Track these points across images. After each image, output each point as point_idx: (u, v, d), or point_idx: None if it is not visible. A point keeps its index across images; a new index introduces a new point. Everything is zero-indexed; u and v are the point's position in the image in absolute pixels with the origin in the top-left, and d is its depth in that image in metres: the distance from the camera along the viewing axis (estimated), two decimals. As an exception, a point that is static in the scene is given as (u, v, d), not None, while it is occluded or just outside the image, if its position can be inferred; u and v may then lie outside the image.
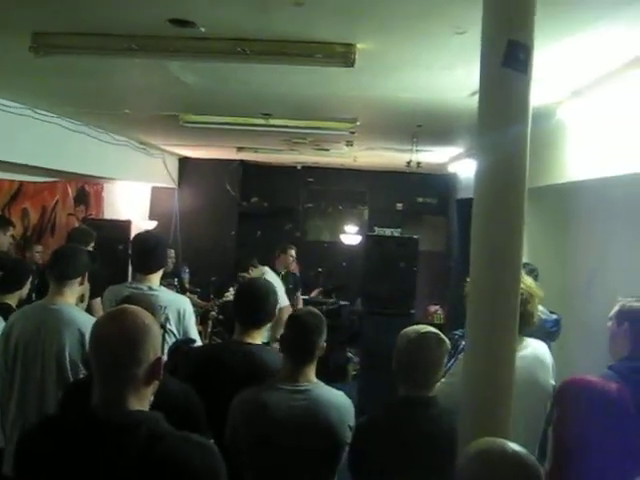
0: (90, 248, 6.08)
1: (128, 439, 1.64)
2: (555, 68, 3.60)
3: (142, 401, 1.73)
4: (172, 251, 7.65)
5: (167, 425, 1.72)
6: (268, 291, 3.25)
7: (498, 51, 2.18)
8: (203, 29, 3.12)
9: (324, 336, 2.85)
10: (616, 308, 3.10)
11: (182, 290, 7.59)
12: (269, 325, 3.37)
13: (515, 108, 2.21)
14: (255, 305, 3.19)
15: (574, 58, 3.41)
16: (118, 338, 1.70)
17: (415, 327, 2.72)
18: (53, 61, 3.68)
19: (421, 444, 2.47)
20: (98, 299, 4.59)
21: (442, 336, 2.67)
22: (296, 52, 3.21)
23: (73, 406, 2.35)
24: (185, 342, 3.59)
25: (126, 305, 1.90)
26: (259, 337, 3.22)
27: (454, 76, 3.74)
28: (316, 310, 2.98)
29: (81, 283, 3.55)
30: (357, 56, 3.30)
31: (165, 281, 6.88)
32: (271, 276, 6.82)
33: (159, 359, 1.75)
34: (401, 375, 2.66)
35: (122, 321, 1.74)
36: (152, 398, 1.79)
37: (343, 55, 3.25)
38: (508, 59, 2.14)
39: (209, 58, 3.42)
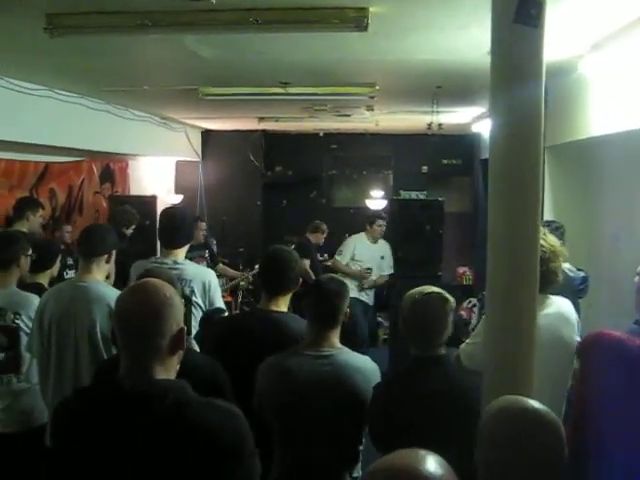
0: (131, 230, 6.20)
1: (155, 407, 1.70)
2: (573, 21, 3.53)
3: (168, 371, 1.78)
4: (204, 224, 7.69)
5: (193, 392, 1.77)
6: (292, 259, 3.28)
7: (509, 7, 2.15)
8: (214, 1, 3.10)
9: (347, 302, 2.88)
10: None
11: (214, 261, 7.66)
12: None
13: (528, 65, 2.18)
14: (280, 273, 3.22)
15: (593, 10, 3.33)
16: (140, 311, 1.75)
17: (419, 288, 2.72)
18: (69, 41, 3.70)
19: (431, 401, 2.49)
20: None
21: (446, 295, 2.65)
22: (308, 19, 3.19)
23: (103, 380, 2.41)
24: (215, 312, 3.65)
25: (147, 278, 1.94)
26: (284, 304, 3.26)
27: (469, 35, 3.70)
28: (338, 276, 3.01)
29: (107, 261, 3.62)
30: (370, 20, 3.26)
31: (197, 253, 6.99)
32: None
33: (182, 330, 1.80)
34: (409, 336, 2.68)
35: (144, 294, 1.79)
36: (178, 367, 1.84)
37: (356, 19, 3.22)
38: (519, 15, 2.11)
39: (222, 30, 3.41)
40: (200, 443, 1.70)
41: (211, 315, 3.60)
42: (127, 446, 1.68)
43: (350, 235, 8.20)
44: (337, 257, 7.76)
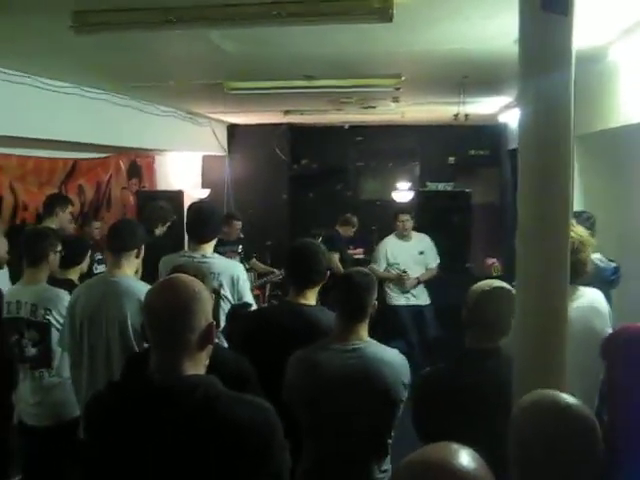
0: (165, 228, 6.20)
1: (186, 402, 1.71)
2: (603, 7, 3.46)
3: (197, 366, 1.79)
4: (239, 222, 7.69)
5: (223, 387, 1.78)
6: (318, 251, 3.27)
7: (537, -5, 2.12)
8: (238, -5, 3.11)
9: (375, 294, 2.87)
10: None
11: (247, 257, 7.68)
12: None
13: (557, 53, 2.15)
14: (307, 265, 3.22)
15: (621, -5, 3.28)
16: (170, 306, 1.76)
17: (487, 281, 2.72)
18: (95, 38, 3.72)
19: (484, 393, 2.46)
20: None
21: (512, 291, 2.63)
22: (332, 10, 3.17)
23: (134, 374, 2.43)
24: (242, 306, 3.67)
25: (176, 274, 1.95)
26: (312, 298, 3.26)
27: (496, 24, 3.65)
28: (366, 269, 3.00)
29: (137, 256, 3.65)
30: (395, 11, 3.22)
31: (229, 248, 7.03)
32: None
33: (211, 324, 1.81)
34: (470, 327, 2.66)
35: (173, 289, 1.80)
36: (207, 362, 1.85)
37: (381, 10, 3.18)
38: (547, 2, 2.08)
39: (246, 24, 3.40)
40: (230, 437, 1.70)
41: (238, 309, 3.61)
42: (158, 440, 1.69)
43: (376, 230, 8.03)
44: (373, 265, 7.22)
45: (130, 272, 3.62)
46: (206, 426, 1.70)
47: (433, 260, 7.29)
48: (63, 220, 5.36)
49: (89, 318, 3.47)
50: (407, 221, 7.26)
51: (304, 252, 3.26)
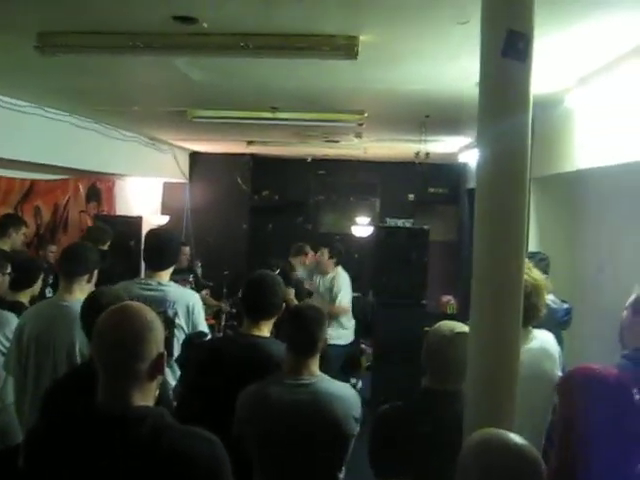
0: (106, 247, 6.13)
1: (132, 433, 1.67)
2: (560, 55, 3.58)
3: (146, 396, 1.75)
4: (187, 248, 7.64)
5: (171, 419, 1.75)
6: (275, 283, 3.26)
7: (497, 40, 2.17)
8: (206, 25, 3.13)
9: (325, 329, 2.86)
10: (633, 297, 3.10)
11: (197, 287, 7.60)
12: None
13: (515, 97, 2.19)
14: (262, 298, 3.20)
15: (579, 45, 3.39)
16: (120, 334, 1.72)
17: (448, 323, 2.67)
18: (59, 60, 3.70)
19: (445, 437, 2.45)
20: None
21: None
22: (299, 45, 3.21)
23: (55, 407, 2.37)
24: (197, 335, 3.62)
25: (128, 302, 1.92)
26: (266, 329, 3.23)
27: (459, 66, 3.74)
28: (316, 304, 2.99)
29: (89, 280, 3.59)
30: (360, 48, 3.29)
31: (180, 277, 6.94)
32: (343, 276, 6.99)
33: (162, 354, 1.78)
34: (429, 369, 2.63)
35: (124, 317, 1.76)
36: (157, 393, 1.81)
37: (346, 47, 3.25)
38: (507, 48, 2.13)
39: (213, 53, 3.43)
40: (178, 470, 1.67)
41: (193, 338, 3.57)
42: (101, 472, 1.65)
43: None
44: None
45: (81, 297, 3.54)
46: (153, 458, 1.66)
47: (344, 297, 7.03)
48: (16, 241, 5.26)
49: (36, 342, 3.38)
50: (318, 255, 7.15)
51: (260, 284, 3.24)
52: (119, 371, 1.72)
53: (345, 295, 7.02)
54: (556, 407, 2.53)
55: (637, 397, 2.13)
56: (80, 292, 3.53)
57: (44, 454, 1.74)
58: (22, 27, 3.24)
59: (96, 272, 3.64)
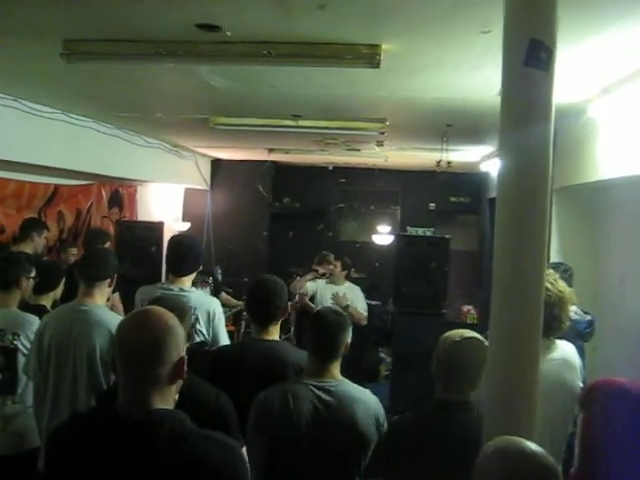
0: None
1: (151, 437, 1.68)
2: (584, 65, 3.56)
3: (166, 400, 1.76)
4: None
5: (191, 424, 1.75)
6: (277, 286, 3.28)
7: (520, 50, 2.16)
8: (229, 33, 3.15)
9: (348, 334, 2.86)
10: None
11: (217, 289, 7.62)
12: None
13: (538, 107, 2.18)
14: (266, 301, 3.23)
15: (602, 55, 3.36)
16: (141, 338, 1.74)
17: (458, 331, 2.68)
18: (84, 67, 3.76)
19: (452, 448, 2.44)
20: (116, 294, 4.69)
21: (485, 342, 2.63)
22: (321, 54, 3.22)
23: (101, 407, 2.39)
24: (199, 345, 3.63)
25: (151, 306, 1.93)
26: (276, 333, 3.27)
27: (481, 75, 3.73)
28: (339, 308, 3.00)
29: (110, 285, 3.62)
30: (382, 57, 3.29)
31: (200, 278, 6.96)
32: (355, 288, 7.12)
33: (182, 358, 1.78)
34: (440, 378, 2.63)
35: (146, 321, 1.77)
36: (177, 397, 1.82)
37: (368, 56, 3.25)
38: (530, 58, 2.12)
39: (235, 61, 3.45)
40: (196, 476, 1.67)
41: (195, 350, 3.57)
42: (121, 476, 1.66)
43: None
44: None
45: (101, 301, 3.58)
46: (172, 463, 1.66)
47: (360, 306, 7.10)
48: (38, 245, 5.31)
49: (57, 346, 3.40)
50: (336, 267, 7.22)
51: (263, 289, 3.27)
52: (139, 375, 1.73)
53: (363, 304, 7.10)
54: (577, 419, 2.51)
55: None
56: (100, 296, 3.55)
57: (64, 458, 1.75)
58: (48, 34, 3.28)
59: (115, 276, 3.67)
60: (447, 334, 2.67)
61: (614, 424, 2.02)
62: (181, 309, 2.69)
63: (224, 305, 7.45)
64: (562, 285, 3.02)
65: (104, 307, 3.57)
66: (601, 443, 2.01)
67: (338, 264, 7.25)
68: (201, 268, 6.86)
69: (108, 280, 3.58)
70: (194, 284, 4.16)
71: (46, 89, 4.90)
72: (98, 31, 3.28)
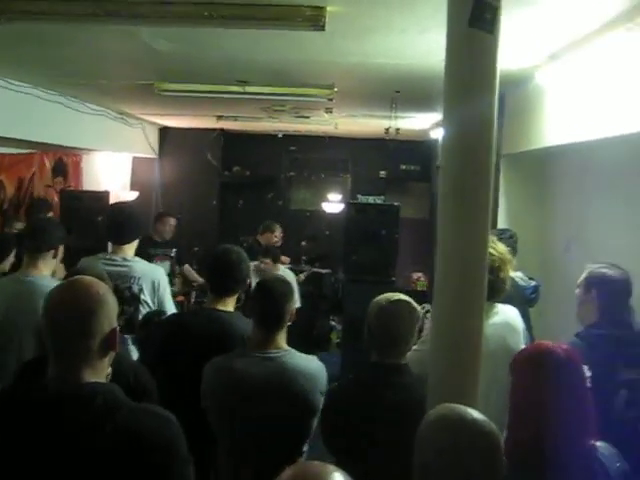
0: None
1: (83, 411, 1.62)
2: (531, 31, 3.54)
3: (98, 374, 1.70)
4: (172, 219, 7.42)
5: (124, 396, 1.70)
6: (240, 259, 3.23)
7: (465, 11, 2.13)
8: (169, -8, 3.04)
9: (293, 302, 2.85)
10: (584, 275, 3.08)
11: (179, 261, 7.47)
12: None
13: (482, 71, 2.16)
14: (227, 273, 3.19)
15: (550, 21, 3.35)
16: (70, 309, 1.67)
17: (387, 295, 2.70)
18: (18, 28, 3.60)
19: (390, 410, 2.47)
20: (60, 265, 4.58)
21: (414, 305, 2.65)
22: (264, 16, 3.13)
23: (27, 381, 2.32)
24: (156, 314, 3.58)
25: (80, 275, 1.86)
26: (231, 304, 3.23)
27: (429, 40, 3.68)
28: (283, 277, 2.97)
29: (54, 256, 3.52)
30: (328, 19, 3.22)
31: (161, 251, 6.84)
32: (289, 274, 6.89)
33: (114, 330, 1.72)
34: (373, 342, 2.66)
35: (75, 292, 1.70)
36: (109, 370, 1.76)
37: (313, 18, 3.17)
38: (474, 18, 2.09)
39: (176, 23, 3.34)
40: (130, 449, 1.62)
41: (151, 317, 3.52)
42: (52, 451, 1.60)
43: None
44: None
45: (47, 272, 3.49)
46: (105, 437, 1.60)
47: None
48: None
49: (1, 318, 3.31)
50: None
51: (224, 260, 3.21)
52: (68, 348, 1.67)
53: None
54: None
55: (587, 374, 2.13)
56: (45, 267, 3.47)
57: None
58: (-24, -7, 3.12)
59: (62, 248, 3.56)
60: (376, 299, 2.70)
61: (542, 384, 2.02)
62: (101, 278, 2.60)
63: (177, 276, 7.35)
64: (501, 247, 3.03)
65: (49, 277, 3.47)
66: (530, 404, 2.02)
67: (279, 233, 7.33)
68: (169, 236, 6.74)
69: (52, 251, 3.48)
70: (154, 257, 4.08)
71: (-21, 53, 4.70)
72: (30, -11, 3.13)
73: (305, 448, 2.85)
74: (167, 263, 6.72)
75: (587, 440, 2.00)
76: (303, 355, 2.85)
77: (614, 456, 2.04)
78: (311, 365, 2.82)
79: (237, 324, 3.09)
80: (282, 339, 2.81)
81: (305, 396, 2.72)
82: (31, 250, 3.46)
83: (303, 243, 9.56)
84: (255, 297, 2.83)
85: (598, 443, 2.03)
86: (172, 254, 7.26)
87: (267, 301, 2.77)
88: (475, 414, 1.59)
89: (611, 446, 2.06)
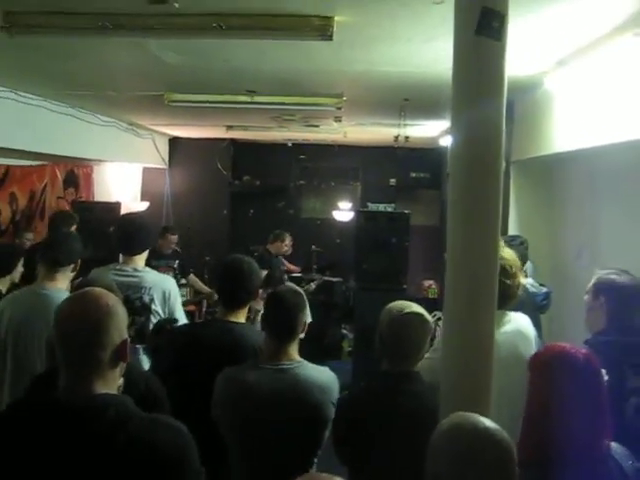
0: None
1: (95, 423, 1.62)
2: (538, 37, 3.54)
3: (109, 384, 1.70)
4: (174, 237, 7.51)
5: (135, 408, 1.70)
6: (251, 270, 3.22)
7: (472, 19, 2.13)
8: (177, 5, 3.05)
9: (305, 313, 2.83)
10: (592, 281, 3.05)
11: (184, 271, 7.50)
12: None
13: (490, 78, 2.16)
14: (238, 284, 3.16)
15: (558, 27, 3.34)
16: (81, 321, 1.67)
17: (399, 305, 2.69)
18: (30, 41, 3.63)
19: (402, 419, 2.46)
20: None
21: (426, 316, 2.64)
22: (272, 26, 3.15)
23: (39, 394, 2.32)
24: (168, 321, 3.59)
25: (90, 287, 1.86)
26: (242, 316, 3.21)
27: (436, 48, 3.68)
28: (297, 287, 2.96)
29: (74, 270, 3.53)
30: (336, 29, 3.23)
31: (164, 262, 6.87)
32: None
33: (125, 341, 1.72)
34: (384, 350, 2.66)
35: (85, 304, 1.71)
36: (121, 381, 1.76)
37: (321, 28, 3.19)
38: (481, 27, 2.09)
39: (185, 35, 3.35)
40: (142, 460, 1.62)
41: (163, 325, 3.53)
42: (64, 463, 1.60)
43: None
44: None
45: (63, 286, 3.48)
46: (117, 448, 1.61)
47: None
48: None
49: (15, 332, 3.31)
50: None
51: (234, 270, 3.20)
52: (79, 360, 1.67)
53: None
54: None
55: (605, 378, 2.12)
56: (63, 281, 3.47)
57: (5, 448, 1.68)
58: (-12, 7, 3.15)
59: (79, 261, 3.58)
60: (388, 307, 2.69)
61: (560, 386, 2.01)
62: (110, 289, 2.61)
63: (187, 286, 7.38)
64: (510, 253, 3.00)
65: (65, 291, 3.47)
66: (548, 406, 2.01)
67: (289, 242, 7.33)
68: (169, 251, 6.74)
69: (72, 265, 3.50)
70: (156, 269, 4.08)
71: (-8, 66, 4.74)
72: (41, 3, 3.15)
73: (316, 459, 2.83)
74: (170, 274, 6.75)
75: (604, 443, 1.99)
76: (316, 366, 2.83)
77: (626, 455, 2.03)
78: (324, 377, 2.80)
79: (249, 335, 3.08)
80: (294, 350, 2.79)
81: (318, 408, 2.70)
82: (49, 263, 3.45)
83: (313, 247, 9.55)
84: (267, 308, 2.82)
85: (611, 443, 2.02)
86: (175, 265, 7.30)
87: (279, 312, 2.76)
88: (488, 423, 1.58)
89: (622, 446, 2.05)
